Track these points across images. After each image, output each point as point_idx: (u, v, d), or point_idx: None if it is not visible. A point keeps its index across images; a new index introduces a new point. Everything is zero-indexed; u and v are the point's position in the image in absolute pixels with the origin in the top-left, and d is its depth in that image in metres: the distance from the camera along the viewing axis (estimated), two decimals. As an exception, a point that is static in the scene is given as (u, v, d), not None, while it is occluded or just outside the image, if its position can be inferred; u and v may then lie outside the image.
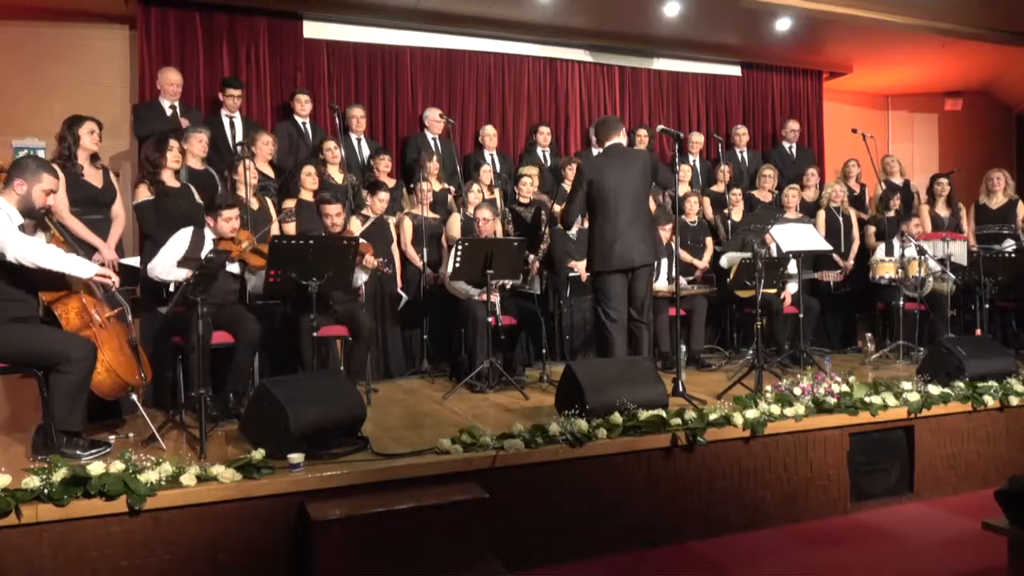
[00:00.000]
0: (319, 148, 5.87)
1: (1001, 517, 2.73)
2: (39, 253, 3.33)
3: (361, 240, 4.76)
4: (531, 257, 5.54)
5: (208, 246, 4.28)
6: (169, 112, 5.49)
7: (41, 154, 5.66)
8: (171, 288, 4.21)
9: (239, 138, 5.55)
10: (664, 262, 6.08)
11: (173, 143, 4.69)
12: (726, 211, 6.72)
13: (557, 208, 6.25)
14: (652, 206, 5.59)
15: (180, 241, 4.29)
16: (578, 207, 4.74)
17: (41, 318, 3.56)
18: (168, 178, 4.68)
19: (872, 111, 9.72)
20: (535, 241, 5.71)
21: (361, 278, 4.88)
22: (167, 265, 4.19)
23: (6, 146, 5.79)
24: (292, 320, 4.62)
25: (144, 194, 4.57)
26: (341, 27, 6.67)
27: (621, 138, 4.79)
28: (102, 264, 4.29)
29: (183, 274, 4.10)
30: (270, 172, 5.60)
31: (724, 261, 6.16)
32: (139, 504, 2.78)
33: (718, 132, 7.92)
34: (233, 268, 4.39)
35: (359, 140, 6.37)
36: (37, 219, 3.55)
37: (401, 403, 4.72)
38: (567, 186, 6.45)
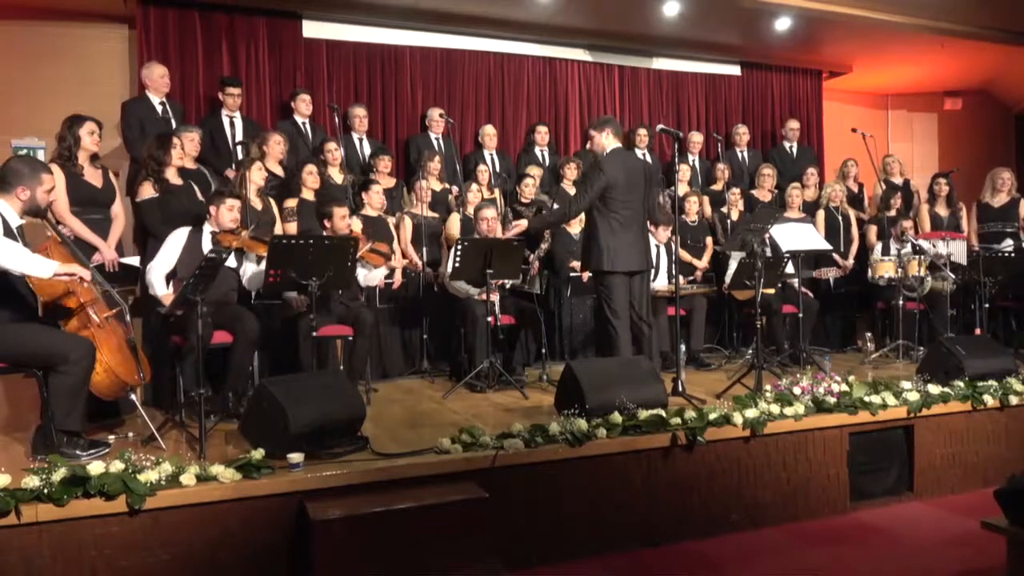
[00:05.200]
0: (320, 149, 5.86)
1: (1000, 516, 2.74)
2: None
3: (375, 242, 4.83)
4: (531, 257, 5.53)
5: (206, 245, 4.27)
6: (159, 108, 5.45)
7: (40, 154, 5.66)
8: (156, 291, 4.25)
9: (239, 137, 5.53)
10: (664, 262, 6.07)
11: (176, 140, 4.69)
12: (724, 210, 6.73)
13: (557, 207, 6.25)
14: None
15: (177, 241, 4.30)
16: (593, 199, 4.59)
17: (40, 318, 3.55)
18: (172, 176, 4.67)
19: (872, 111, 9.72)
20: (535, 241, 5.71)
21: (376, 276, 4.89)
22: (160, 275, 4.24)
23: (6, 145, 5.78)
24: (291, 320, 4.62)
25: (148, 192, 4.55)
26: (341, 27, 6.67)
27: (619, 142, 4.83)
28: (101, 265, 4.30)
29: (165, 292, 4.19)
30: (280, 172, 5.57)
31: (732, 264, 6.06)
32: (139, 504, 2.78)
33: (718, 131, 7.92)
34: (230, 262, 4.36)
35: (361, 140, 6.37)
36: (42, 218, 3.55)
37: (401, 403, 4.71)
38: (566, 186, 6.46)
